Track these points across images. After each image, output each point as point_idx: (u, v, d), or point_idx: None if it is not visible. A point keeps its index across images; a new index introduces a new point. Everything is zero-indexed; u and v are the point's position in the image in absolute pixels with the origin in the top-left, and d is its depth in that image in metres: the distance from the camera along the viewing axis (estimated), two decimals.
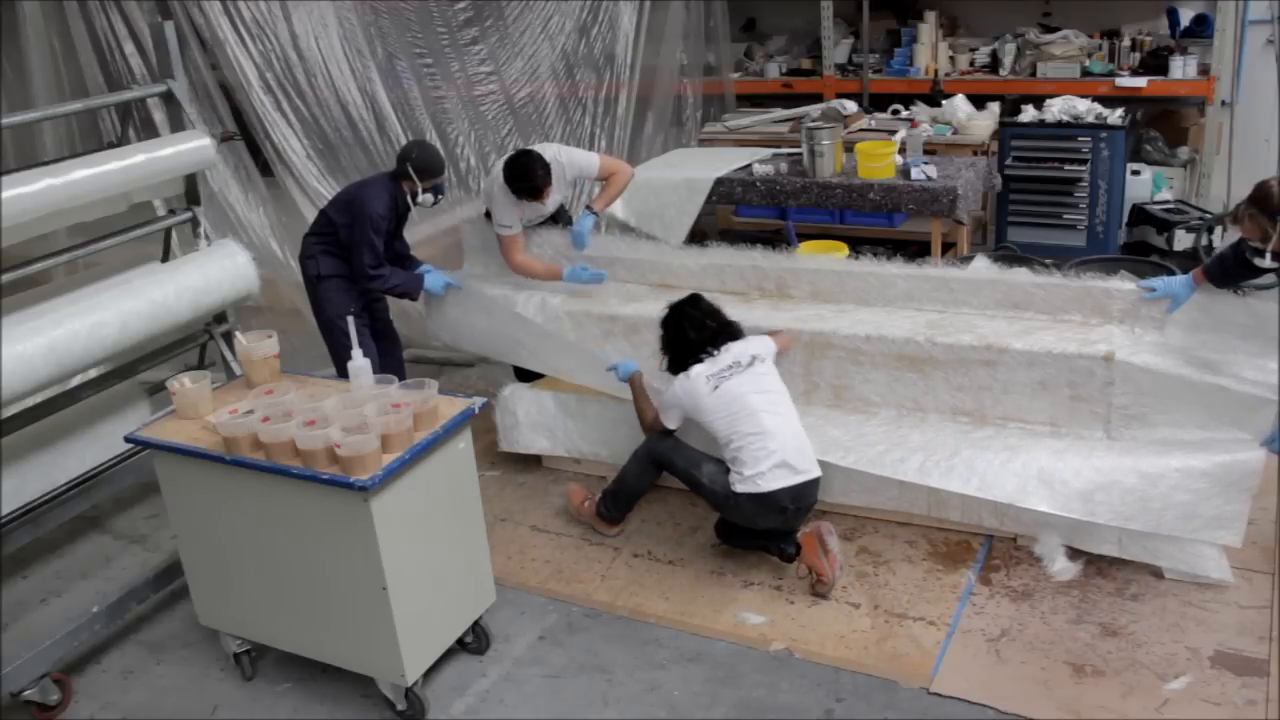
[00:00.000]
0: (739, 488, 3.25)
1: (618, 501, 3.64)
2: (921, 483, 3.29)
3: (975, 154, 5.67)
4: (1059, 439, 3.33)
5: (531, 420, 4.06)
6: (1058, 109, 5.69)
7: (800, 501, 3.28)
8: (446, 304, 4.18)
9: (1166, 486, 3.06)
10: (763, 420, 3.24)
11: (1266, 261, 3.00)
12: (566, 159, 4.17)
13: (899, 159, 5.17)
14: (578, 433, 4.02)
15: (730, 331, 3.40)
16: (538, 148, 4.10)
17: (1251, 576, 3.13)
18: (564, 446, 4.04)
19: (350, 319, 3.14)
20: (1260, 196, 2.96)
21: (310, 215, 4.44)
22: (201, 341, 3.81)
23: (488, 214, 4.39)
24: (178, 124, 3.57)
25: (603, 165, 4.28)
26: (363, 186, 3.99)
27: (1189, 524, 3.06)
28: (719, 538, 3.55)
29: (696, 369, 3.32)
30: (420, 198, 3.91)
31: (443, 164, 3.98)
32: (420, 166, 3.86)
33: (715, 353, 3.33)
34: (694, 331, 3.36)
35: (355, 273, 3.91)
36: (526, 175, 3.95)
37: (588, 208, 4.29)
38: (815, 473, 3.29)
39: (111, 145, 3.59)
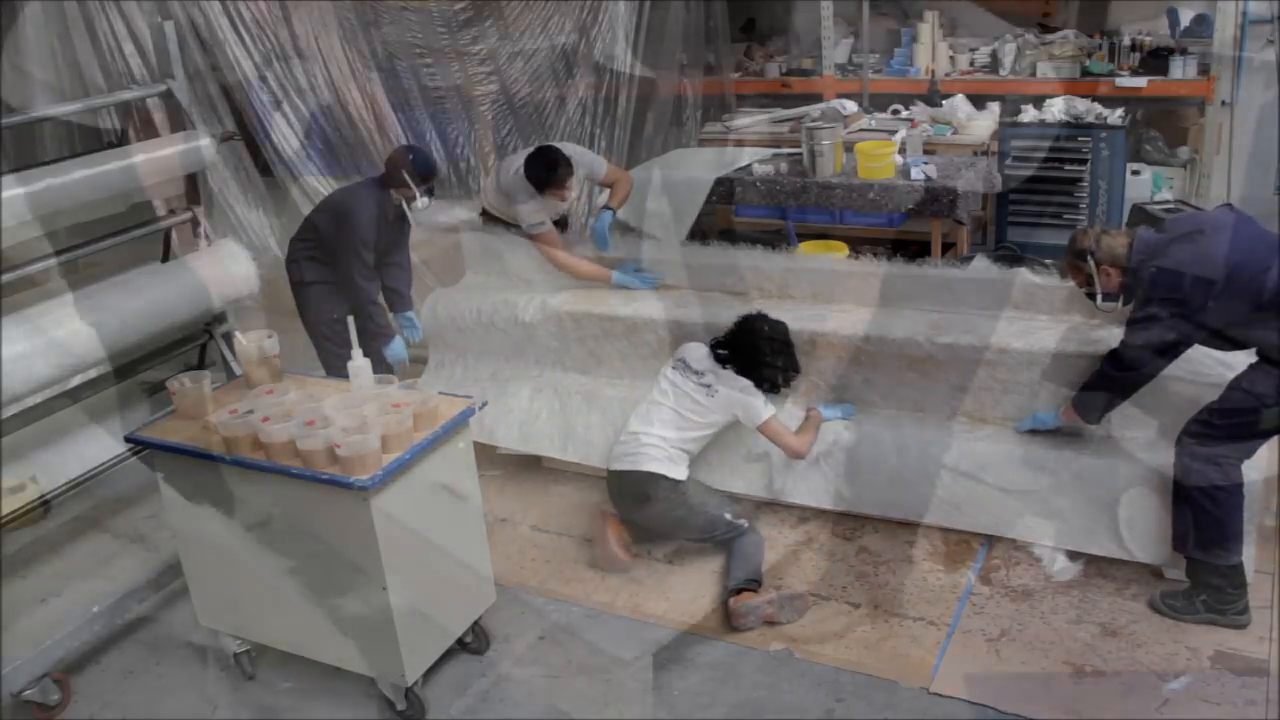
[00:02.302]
0: None
1: None
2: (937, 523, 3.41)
3: (975, 154, 5.65)
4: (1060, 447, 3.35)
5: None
6: (1058, 109, 5.69)
7: (623, 489, 3.43)
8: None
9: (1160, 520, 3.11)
10: (646, 411, 3.45)
11: (1100, 304, 3.08)
12: (579, 157, 4.20)
13: (899, 159, 5.16)
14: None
15: (750, 373, 3.40)
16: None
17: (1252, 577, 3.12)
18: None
19: (350, 319, 3.13)
20: (1071, 244, 3.10)
21: None
22: (201, 341, 3.80)
23: (484, 213, 4.39)
24: (178, 124, 3.57)
25: (607, 170, 4.33)
26: (348, 196, 3.96)
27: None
28: None
29: (704, 353, 3.48)
30: (418, 201, 3.88)
31: (435, 165, 3.95)
32: (416, 171, 3.83)
33: (721, 369, 3.41)
34: (762, 357, 3.40)
35: (342, 281, 3.90)
36: (551, 166, 3.98)
37: (605, 206, 4.32)
38: (649, 469, 3.34)
39: (111, 145, 3.59)
